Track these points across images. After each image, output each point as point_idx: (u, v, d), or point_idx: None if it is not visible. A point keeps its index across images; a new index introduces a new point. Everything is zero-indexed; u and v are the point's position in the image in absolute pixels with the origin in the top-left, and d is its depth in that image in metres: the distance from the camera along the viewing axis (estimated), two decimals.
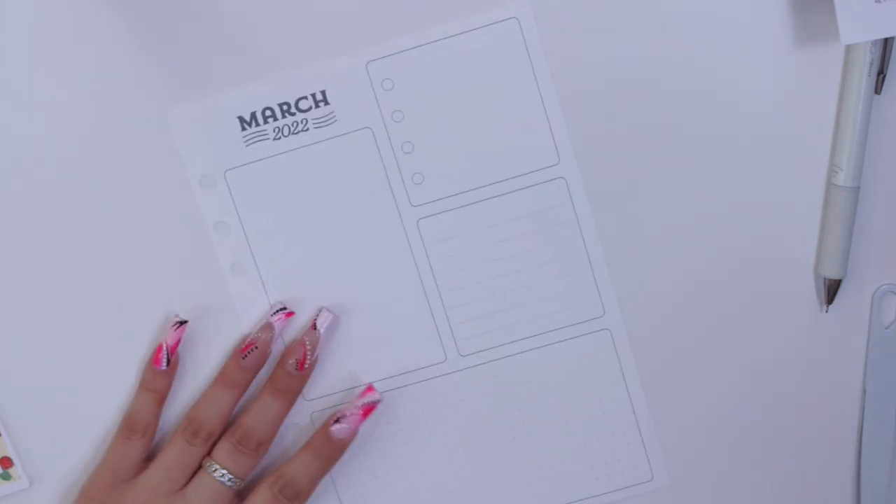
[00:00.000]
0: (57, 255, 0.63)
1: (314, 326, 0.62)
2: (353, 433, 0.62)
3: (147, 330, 0.63)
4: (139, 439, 0.62)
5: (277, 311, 0.62)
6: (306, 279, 0.63)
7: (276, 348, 0.63)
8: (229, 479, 0.61)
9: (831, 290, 0.63)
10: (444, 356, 0.64)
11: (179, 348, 0.62)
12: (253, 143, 0.62)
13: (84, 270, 0.63)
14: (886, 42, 0.60)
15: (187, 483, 0.62)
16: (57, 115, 0.61)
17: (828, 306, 0.63)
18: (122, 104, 0.61)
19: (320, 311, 0.62)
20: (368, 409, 0.62)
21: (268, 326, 0.62)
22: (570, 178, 0.62)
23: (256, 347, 0.62)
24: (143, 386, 0.62)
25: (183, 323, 0.62)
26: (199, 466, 0.62)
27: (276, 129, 0.62)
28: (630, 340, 0.64)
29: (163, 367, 0.62)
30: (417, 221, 0.62)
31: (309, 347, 0.62)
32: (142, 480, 0.61)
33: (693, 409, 0.64)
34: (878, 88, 0.61)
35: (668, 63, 0.61)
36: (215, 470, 0.61)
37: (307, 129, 0.61)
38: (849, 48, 0.60)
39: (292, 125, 0.61)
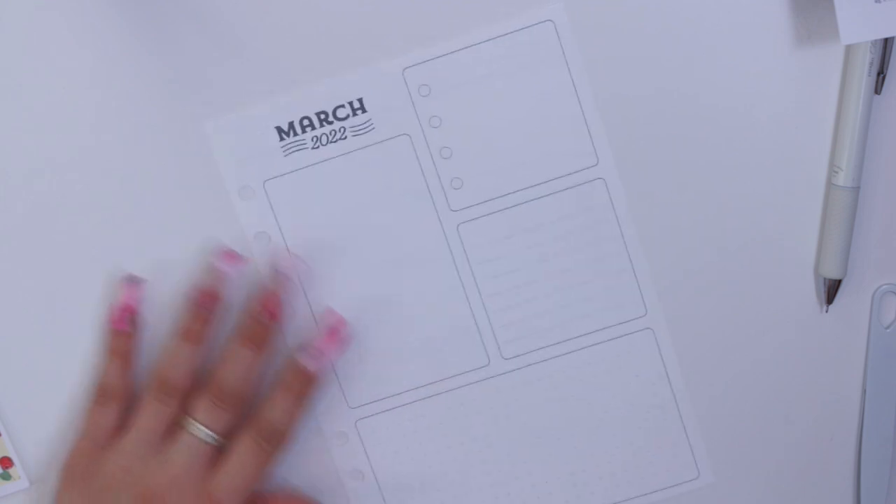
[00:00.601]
0: (90, 265, 0.62)
1: (281, 272, 0.61)
2: (324, 362, 0.61)
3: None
4: (114, 405, 0.61)
5: (222, 255, 0.61)
6: (347, 286, 0.63)
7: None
8: (207, 435, 0.60)
9: (831, 290, 0.63)
10: (487, 360, 0.64)
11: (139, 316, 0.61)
12: (291, 152, 0.62)
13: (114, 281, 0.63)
14: (886, 42, 0.60)
15: (167, 443, 0.61)
16: (94, 130, 0.61)
17: (828, 306, 0.63)
18: (159, 117, 0.61)
19: (287, 256, 0.62)
20: (332, 332, 0.61)
21: (215, 271, 0.61)
22: (609, 178, 0.62)
23: (208, 293, 0.61)
24: (110, 350, 0.62)
25: (137, 281, 0.61)
26: (177, 424, 0.61)
27: (315, 139, 0.62)
28: (673, 338, 0.64)
29: (125, 327, 0.61)
30: (457, 226, 0.62)
31: (279, 293, 0.61)
32: (119, 446, 0.61)
33: (729, 405, 0.64)
34: (878, 88, 0.61)
35: (667, 63, 0.61)
36: (193, 426, 0.60)
37: (345, 138, 0.61)
38: (849, 48, 0.60)
39: (330, 134, 0.61)
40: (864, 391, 0.64)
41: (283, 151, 0.62)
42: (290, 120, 0.61)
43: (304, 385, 0.61)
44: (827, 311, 0.64)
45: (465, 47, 0.61)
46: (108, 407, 0.61)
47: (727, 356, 0.64)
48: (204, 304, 0.61)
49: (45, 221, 0.62)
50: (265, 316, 0.61)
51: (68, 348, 0.63)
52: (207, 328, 0.61)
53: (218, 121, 0.61)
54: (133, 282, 0.61)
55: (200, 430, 0.60)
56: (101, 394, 0.62)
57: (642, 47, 0.61)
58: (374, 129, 0.61)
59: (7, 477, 0.64)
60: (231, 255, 0.61)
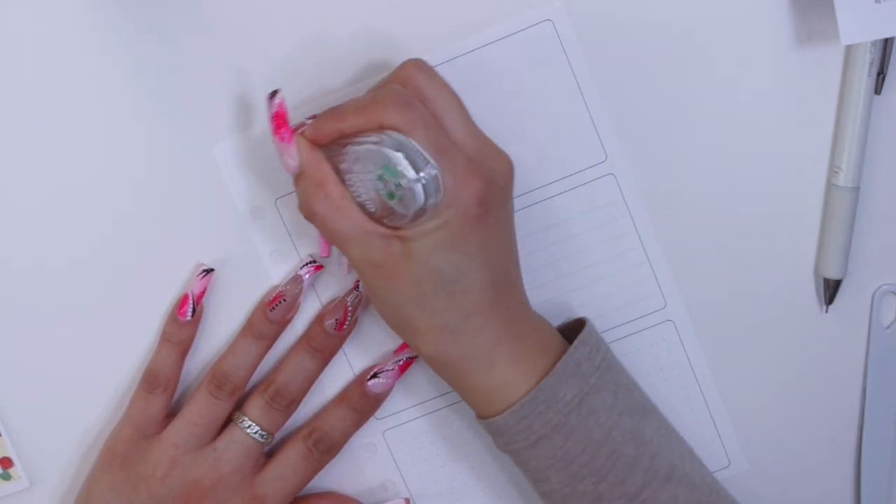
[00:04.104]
0: (96, 280, 0.63)
1: (356, 287, 0.62)
2: (390, 389, 0.62)
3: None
4: (161, 394, 0.61)
5: (306, 265, 0.62)
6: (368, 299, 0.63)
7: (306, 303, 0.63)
8: (260, 434, 0.61)
9: (831, 290, 0.63)
10: None
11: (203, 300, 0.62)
12: None
13: (131, 301, 0.63)
14: (886, 42, 0.60)
15: (214, 438, 0.61)
16: (105, 153, 0.62)
17: (828, 306, 0.63)
18: (167, 143, 0.62)
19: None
20: (405, 365, 0.62)
21: (297, 279, 0.62)
22: (619, 173, 0.62)
23: (285, 300, 0.61)
24: (166, 338, 0.62)
25: (209, 272, 0.62)
26: (227, 421, 0.61)
27: None
28: (695, 328, 0.64)
29: (187, 318, 0.61)
30: None
31: (350, 308, 0.61)
32: (167, 436, 0.61)
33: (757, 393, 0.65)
34: (878, 88, 0.61)
35: (667, 64, 0.61)
36: (247, 425, 0.61)
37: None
38: (849, 48, 0.60)
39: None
40: (864, 391, 0.64)
41: None
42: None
43: (367, 406, 0.62)
44: (827, 311, 0.64)
45: (467, 52, 0.61)
46: (155, 395, 0.61)
47: (726, 356, 0.64)
48: (278, 313, 0.61)
49: (57, 238, 0.62)
50: (334, 328, 0.61)
51: (68, 349, 0.63)
52: (275, 332, 0.62)
53: (225, 142, 0.62)
54: (205, 274, 0.62)
55: (253, 429, 0.61)
56: (150, 381, 0.62)
57: (642, 47, 0.61)
58: None
59: (7, 477, 0.64)
60: (316, 267, 0.62)
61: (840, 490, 0.66)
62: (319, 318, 0.62)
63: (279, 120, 0.56)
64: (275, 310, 0.61)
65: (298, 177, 0.56)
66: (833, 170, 0.62)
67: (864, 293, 0.64)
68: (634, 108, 0.62)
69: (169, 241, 0.62)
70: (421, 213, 0.53)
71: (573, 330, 0.59)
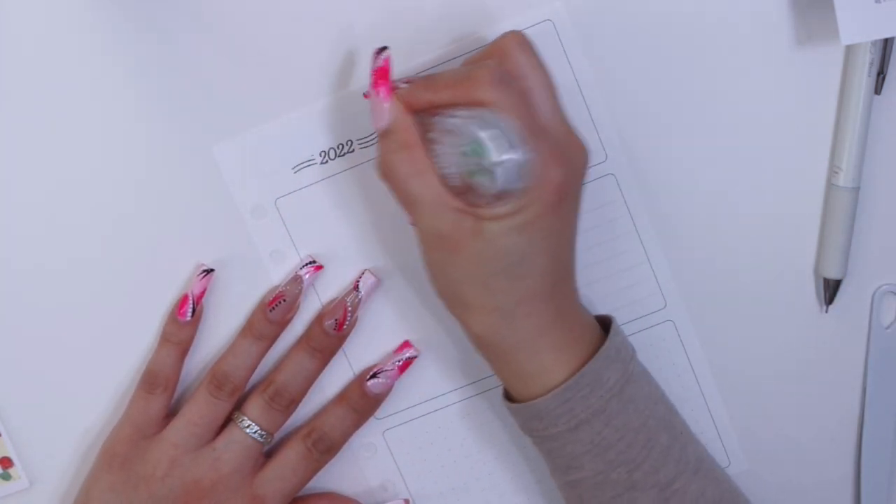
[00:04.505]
0: (97, 282, 0.63)
1: (356, 287, 0.62)
2: (389, 389, 0.62)
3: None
4: (160, 394, 0.62)
5: (307, 265, 0.62)
6: (368, 299, 0.63)
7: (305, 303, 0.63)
8: (260, 434, 0.61)
9: (831, 290, 0.63)
10: None
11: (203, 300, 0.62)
12: (300, 169, 0.62)
13: (131, 301, 0.63)
14: (886, 42, 0.60)
15: (214, 438, 0.61)
16: (105, 154, 0.62)
17: (828, 306, 0.63)
18: (167, 143, 0.62)
19: (363, 272, 0.62)
20: (405, 365, 0.62)
21: (297, 279, 0.62)
22: (619, 173, 0.62)
23: (285, 300, 0.61)
24: (165, 338, 0.62)
25: (209, 272, 0.62)
26: (226, 421, 0.61)
27: (322, 153, 0.62)
28: (695, 329, 0.64)
29: (187, 318, 0.61)
30: None
31: (350, 308, 0.61)
32: (166, 436, 0.61)
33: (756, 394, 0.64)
34: (878, 88, 0.61)
35: (667, 64, 0.61)
36: (247, 425, 0.61)
37: (353, 150, 0.61)
38: (849, 48, 0.60)
39: (338, 148, 0.61)
40: (864, 391, 0.64)
41: (293, 168, 0.62)
42: (298, 137, 0.61)
43: (367, 406, 0.62)
44: (827, 311, 0.64)
45: (467, 52, 0.61)
46: (155, 395, 0.62)
47: (726, 356, 0.64)
48: (278, 313, 0.61)
49: (57, 238, 0.62)
50: (334, 328, 0.61)
51: (68, 349, 0.63)
52: (275, 332, 0.62)
53: (226, 142, 0.61)
54: (205, 275, 0.62)
55: (252, 429, 0.61)
56: (150, 381, 0.62)
57: (642, 47, 0.61)
58: None
59: (7, 477, 0.64)
60: (316, 267, 0.62)
61: (840, 490, 0.66)
62: (319, 319, 0.62)
63: (381, 75, 0.55)
64: (275, 310, 0.61)
65: (385, 134, 0.55)
66: (833, 170, 0.62)
67: (864, 293, 0.64)
68: (634, 108, 0.62)
69: (169, 241, 0.62)
70: (502, 195, 0.53)
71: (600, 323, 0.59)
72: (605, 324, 0.59)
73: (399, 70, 0.58)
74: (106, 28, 0.61)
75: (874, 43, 0.60)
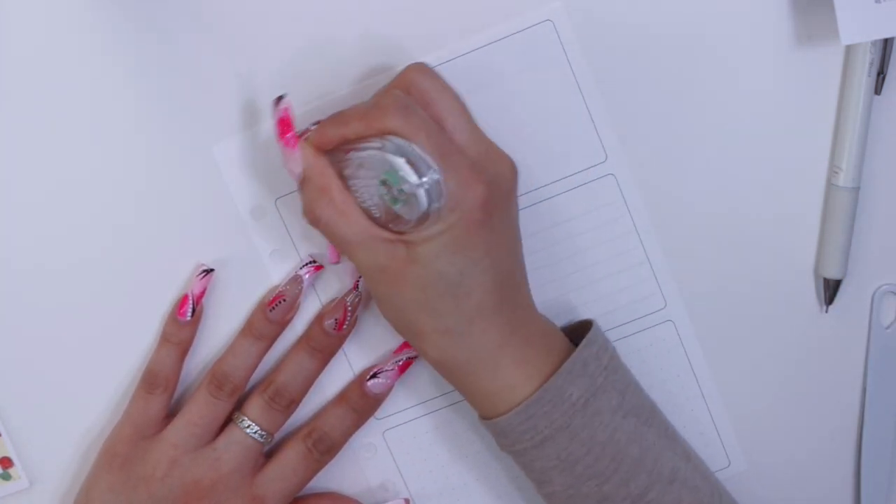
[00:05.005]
0: (97, 282, 0.63)
1: (356, 287, 0.62)
2: (389, 389, 0.62)
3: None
4: (160, 394, 0.61)
5: (307, 265, 0.62)
6: (368, 299, 0.63)
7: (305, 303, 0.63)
8: (260, 434, 0.61)
9: (831, 290, 0.63)
10: None
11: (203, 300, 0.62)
12: None
13: (131, 301, 0.63)
14: (886, 42, 0.60)
15: (213, 438, 0.61)
16: (105, 154, 0.62)
17: (828, 306, 0.63)
18: (167, 143, 0.62)
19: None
20: (405, 365, 0.62)
21: (296, 279, 0.62)
22: (619, 173, 0.62)
23: (284, 300, 0.61)
24: (165, 338, 0.62)
25: (209, 272, 0.62)
26: (227, 421, 0.61)
27: None
28: (695, 329, 0.64)
29: (187, 318, 0.61)
30: None
31: (350, 308, 0.61)
32: (166, 436, 0.61)
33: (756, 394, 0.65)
34: (878, 88, 0.61)
35: (667, 64, 0.61)
36: (247, 425, 0.61)
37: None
38: (849, 48, 0.60)
39: None
40: (864, 391, 0.64)
41: None
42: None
43: (367, 406, 0.62)
44: (827, 311, 0.64)
45: (467, 53, 0.61)
46: (154, 395, 0.61)
47: (726, 355, 0.64)
48: (278, 313, 0.61)
49: (57, 238, 0.62)
50: (334, 328, 0.61)
51: (68, 349, 0.63)
52: (275, 332, 0.62)
53: (226, 142, 0.61)
54: (204, 275, 0.62)
55: (253, 429, 0.61)
56: (150, 381, 0.62)
57: (642, 47, 0.61)
58: None
59: (7, 477, 0.64)
60: (316, 267, 0.62)
61: (840, 490, 0.66)
62: (319, 318, 0.62)
63: (284, 125, 0.56)
64: (275, 310, 0.61)
65: (303, 182, 0.56)
66: (833, 170, 0.62)
67: (864, 293, 0.64)
68: (634, 108, 0.62)
69: (169, 241, 0.62)
70: (425, 217, 0.53)
71: (578, 331, 0.59)
72: (585, 330, 0.59)
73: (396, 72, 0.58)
74: (106, 28, 0.61)
75: (874, 43, 0.60)
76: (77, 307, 0.63)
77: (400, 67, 0.59)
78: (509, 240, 0.57)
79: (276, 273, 0.63)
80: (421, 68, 0.56)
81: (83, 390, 0.63)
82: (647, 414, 0.58)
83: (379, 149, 0.54)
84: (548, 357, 0.57)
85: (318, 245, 0.62)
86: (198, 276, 0.62)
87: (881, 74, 0.60)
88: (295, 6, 0.60)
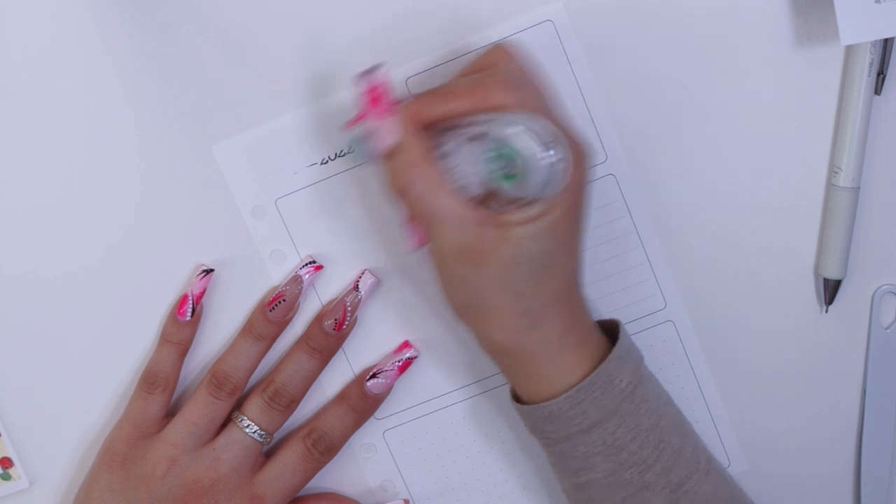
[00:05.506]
0: (98, 281, 0.63)
1: (356, 287, 0.62)
2: (389, 389, 0.62)
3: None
4: (160, 394, 0.62)
5: (306, 265, 0.62)
6: (368, 299, 0.63)
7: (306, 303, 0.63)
8: (259, 434, 0.61)
9: (831, 290, 0.63)
10: None
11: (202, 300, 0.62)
12: (301, 169, 0.62)
13: (131, 301, 0.63)
14: (886, 42, 0.60)
15: (213, 438, 0.61)
16: (103, 155, 0.62)
17: (828, 306, 0.63)
18: (167, 143, 0.62)
19: (363, 272, 0.62)
20: (405, 365, 0.62)
21: (296, 279, 0.62)
22: (619, 174, 0.62)
23: (284, 300, 0.61)
24: (165, 338, 0.62)
25: (209, 272, 0.62)
26: (226, 421, 0.61)
27: (323, 154, 0.62)
28: (695, 329, 0.64)
29: (187, 318, 0.61)
30: None
31: (349, 308, 0.61)
32: (166, 436, 0.61)
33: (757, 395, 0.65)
34: (878, 89, 0.61)
35: (668, 63, 0.61)
36: (246, 425, 0.61)
37: (353, 151, 0.61)
38: (849, 48, 0.60)
39: (338, 148, 0.62)
40: (864, 391, 0.64)
41: (293, 169, 0.62)
42: (298, 137, 0.61)
43: (367, 406, 0.62)
44: (827, 311, 0.64)
45: (467, 53, 0.61)
46: (154, 395, 0.62)
47: (726, 355, 0.64)
48: (278, 313, 0.61)
49: (57, 239, 0.62)
50: (333, 328, 0.61)
51: (68, 349, 0.63)
52: (275, 332, 0.62)
53: (226, 142, 0.61)
54: (204, 275, 0.62)
55: (252, 429, 0.61)
56: (150, 381, 0.62)
57: (642, 47, 0.61)
58: None
59: (7, 477, 0.64)
60: (316, 267, 0.62)
61: (840, 490, 0.66)
62: (319, 319, 0.62)
63: (383, 90, 0.54)
64: (274, 310, 0.61)
65: (393, 153, 0.54)
66: (833, 170, 0.62)
67: (864, 293, 0.64)
68: (634, 108, 0.62)
69: (169, 240, 0.62)
70: (535, 197, 0.52)
71: (602, 327, 0.59)
72: (610, 327, 0.59)
73: (396, 73, 0.58)
74: (106, 28, 0.61)
75: (874, 43, 0.60)
76: (77, 307, 0.63)
77: (399, 68, 0.60)
78: (586, 225, 0.57)
79: (276, 273, 0.63)
80: (515, 46, 0.55)
81: (83, 390, 0.64)
82: (676, 405, 0.59)
83: (495, 123, 0.51)
84: (594, 347, 0.57)
85: (318, 246, 0.62)
86: (198, 276, 0.62)
87: (881, 74, 0.60)
88: (295, 6, 0.60)
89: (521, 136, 0.51)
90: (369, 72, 0.54)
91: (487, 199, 0.54)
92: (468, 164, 0.53)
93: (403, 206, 0.55)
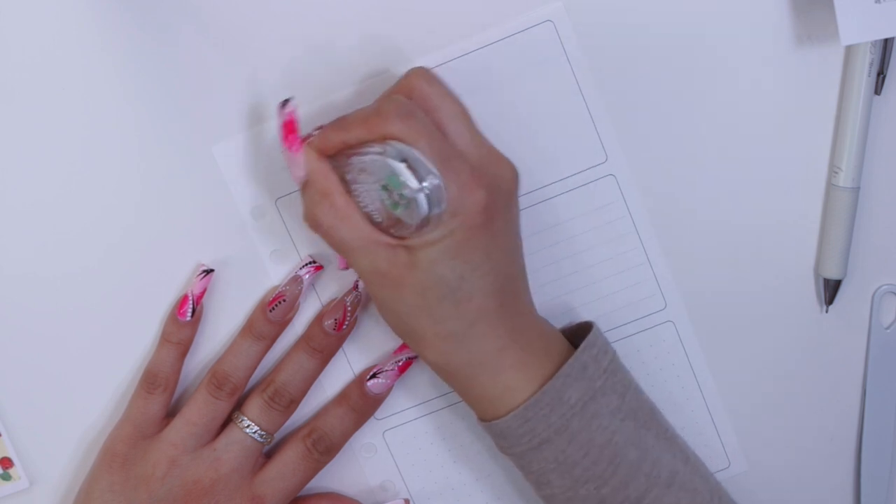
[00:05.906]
0: (99, 281, 0.63)
1: (356, 287, 0.62)
2: (389, 389, 0.62)
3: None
4: (160, 394, 0.62)
5: (306, 265, 0.62)
6: (368, 299, 0.63)
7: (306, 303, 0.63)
8: (259, 434, 0.61)
9: (831, 290, 0.63)
10: None
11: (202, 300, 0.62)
12: None
13: (131, 301, 0.63)
14: (886, 42, 0.60)
15: (213, 438, 0.61)
16: (103, 155, 0.62)
17: (828, 306, 0.64)
18: (167, 143, 0.62)
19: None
20: (405, 365, 0.62)
21: (296, 279, 0.62)
22: (619, 174, 0.62)
23: (284, 300, 0.61)
24: (165, 338, 0.62)
25: (209, 272, 0.62)
26: (226, 421, 0.62)
27: None
28: (695, 330, 0.64)
29: (187, 318, 0.61)
30: None
31: (349, 308, 0.61)
32: (166, 436, 0.61)
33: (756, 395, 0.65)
34: (878, 89, 0.61)
35: (668, 64, 0.61)
36: (246, 425, 0.61)
37: None
38: (849, 48, 0.60)
39: None
40: (864, 391, 0.64)
41: None
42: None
43: (367, 406, 0.62)
44: (827, 312, 0.64)
45: (468, 53, 0.61)
46: (154, 395, 0.62)
47: (727, 355, 0.64)
48: (278, 313, 0.61)
49: (57, 239, 0.62)
50: (333, 328, 0.61)
51: (68, 349, 0.63)
52: (275, 332, 0.62)
53: (226, 142, 0.61)
54: (205, 275, 0.62)
55: (252, 429, 0.61)
56: (150, 381, 0.62)
57: (642, 47, 0.61)
58: None
59: (7, 477, 0.64)
60: (316, 267, 0.62)
61: (840, 490, 0.66)
62: (319, 318, 0.62)
63: (289, 129, 0.56)
64: (274, 310, 0.61)
65: (305, 186, 0.56)
66: (833, 170, 0.62)
67: (864, 293, 0.64)
68: (634, 109, 0.62)
69: (169, 241, 0.62)
70: (425, 222, 0.54)
71: (579, 333, 0.59)
72: (585, 332, 0.59)
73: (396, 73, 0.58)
74: (106, 28, 0.61)
75: (874, 43, 0.60)
76: (77, 307, 0.63)
77: (400, 69, 0.60)
78: (510, 244, 0.57)
79: (276, 273, 0.63)
80: (423, 73, 0.56)
81: (83, 390, 0.64)
82: (646, 416, 0.58)
83: (380, 154, 0.54)
84: (547, 360, 0.57)
85: (318, 245, 0.62)
86: (198, 276, 0.62)
87: (881, 74, 0.60)
88: (295, 7, 0.60)
89: (398, 166, 0.53)
90: (281, 106, 0.56)
91: (396, 224, 0.55)
92: (366, 192, 0.55)
93: (320, 235, 0.56)
